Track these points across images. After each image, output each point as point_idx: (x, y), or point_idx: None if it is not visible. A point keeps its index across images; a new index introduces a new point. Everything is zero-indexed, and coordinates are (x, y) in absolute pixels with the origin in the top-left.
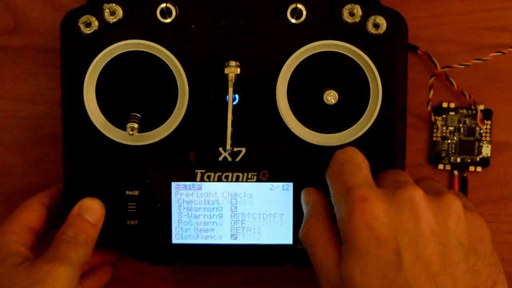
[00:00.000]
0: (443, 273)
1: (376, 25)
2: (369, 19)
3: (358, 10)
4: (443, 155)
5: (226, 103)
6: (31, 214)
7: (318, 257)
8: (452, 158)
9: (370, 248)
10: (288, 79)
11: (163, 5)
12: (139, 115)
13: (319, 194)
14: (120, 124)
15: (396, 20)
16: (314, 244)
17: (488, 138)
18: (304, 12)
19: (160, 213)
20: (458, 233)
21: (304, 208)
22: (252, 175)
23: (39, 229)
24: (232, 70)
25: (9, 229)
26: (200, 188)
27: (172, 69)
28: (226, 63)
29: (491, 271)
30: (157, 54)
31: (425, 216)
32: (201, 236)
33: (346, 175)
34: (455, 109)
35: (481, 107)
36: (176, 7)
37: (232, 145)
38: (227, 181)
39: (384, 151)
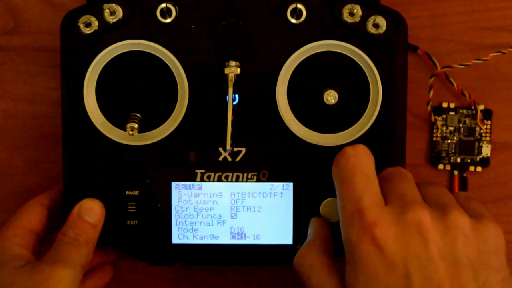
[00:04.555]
0: None
1: (376, 25)
2: (369, 19)
3: (358, 10)
4: (443, 155)
5: (226, 103)
6: (32, 216)
7: (314, 286)
8: (452, 158)
9: (380, 274)
10: (288, 79)
11: (163, 5)
12: (139, 115)
13: (320, 225)
14: (120, 124)
15: (396, 20)
16: (308, 273)
17: (488, 138)
18: (304, 12)
19: (160, 213)
20: (467, 252)
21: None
22: (252, 175)
23: (40, 231)
24: (232, 70)
25: (11, 231)
26: (200, 188)
27: (172, 69)
28: (226, 63)
29: (503, 286)
30: (157, 54)
31: (433, 239)
32: (201, 236)
33: (357, 189)
34: (455, 109)
35: (481, 107)
36: (176, 7)
37: (232, 145)
38: (227, 181)
39: (384, 151)
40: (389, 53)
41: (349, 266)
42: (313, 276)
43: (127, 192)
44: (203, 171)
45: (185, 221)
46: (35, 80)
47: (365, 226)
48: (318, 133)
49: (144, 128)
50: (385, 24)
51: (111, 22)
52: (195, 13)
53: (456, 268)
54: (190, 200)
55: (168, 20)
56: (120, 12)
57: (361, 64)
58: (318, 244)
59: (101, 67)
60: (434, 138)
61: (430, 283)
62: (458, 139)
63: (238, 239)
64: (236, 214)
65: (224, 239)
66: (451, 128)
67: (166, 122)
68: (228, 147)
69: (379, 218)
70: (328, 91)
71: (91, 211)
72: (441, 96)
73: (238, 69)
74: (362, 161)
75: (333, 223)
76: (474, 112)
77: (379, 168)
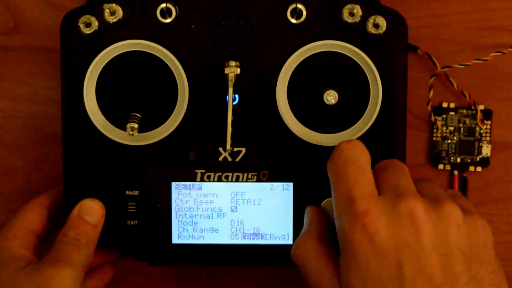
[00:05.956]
0: (445, 285)
1: (376, 25)
2: (369, 19)
3: (358, 10)
4: (443, 155)
5: (226, 103)
6: (33, 217)
7: (311, 275)
8: (452, 158)
9: (371, 263)
10: (288, 79)
11: (163, 5)
12: (139, 115)
13: (315, 214)
14: (120, 124)
15: (396, 20)
16: (304, 263)
17: (488, 138)
18: (304, 12)
19: (160, 213)
20: (459, 243)
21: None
22: (252, 175)
23: (41, 232)
24: (232, 70)
25: (12, 232)
26: (200, 188)
27: (172, 69)
28: (226, 63)
29: (494, 278)
30: (157, 54)
31: (426, 229)
32: (201, 236)
33: (350, 180)
34: (455, 109)
35: (481, 107)
36: (176, 7)
37: (232, 145)
38: (227, 181)
39: (384, 151)
40: (389, 53)
41: (342, 256)
42: (309, 265)
43: (127, 192)
44: (203, 171)
45: (185, 221)
46: (35, 80)
47: (356, 215)
48: (318, 133)
49: (144, 128)
50: (385, 24)
51: (111, 22)
52: (195, 13)
53: (448, 259)
54: (190, 200)
55: (168, 20)
56: (120, 12)
57: (361, 64)
58: (313, 233)
59: (101, 67)
60: (434, 138)
61: (422, 273)
62: (458, 139)
63: (238, 239)
64: (236, 214)
65: (224, 239)
66: (451, 128)
67: (166, 122)
68: (228, 147)
69: (371, 207)
70: (328, 91)
71: (91, 211)
72: (441, 96)
73: (238, 69)
74: (356, 152)
75: (333, 222)
76: (474, 112)
77: None
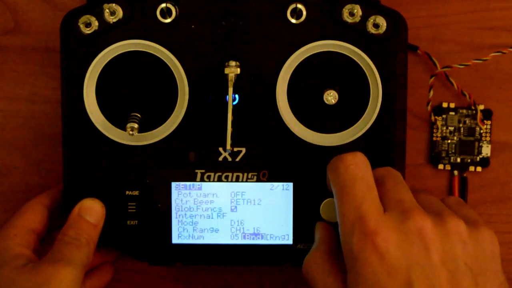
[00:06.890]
0: None
1: (376, 25)
2: (369, 19)
3: (358, 10)
4: (443, 155)
5: (226, 103)
6: (33, 216)
7: None
8: (452, 158)
9: (381, 281)
10: (288, 79)
11: (163, 5)
12: (139, 115)
13: (325, 229)
14: (120, 124)
15: (396, 20)
16: (314, 279)
17: (488, 138)
18: (304, 12)
19: (160, 213)
20: (465, 258)
21: None
22: (252, 175)
23: (41, 231)
24: (232, 70)
25: (12, 231)
26: (200, 188)
27: (172, 69)
28: (226, 63)
29: None
30: (157, 54)
31: (434, 246)
32: (201, 236)
33: (358, 197)
34: (455, 109)
35: (481, 107)
36: (176, 7)
37: (232, 145)
38: (227, 181)
39: (384, 151)
40: (389, 53)
41: (350, 274)
42: (318, 281)
43: (127, 192)
44: (203, 171)
45: (185, 221)
46: (35, 80)
47: (367, 234)
48: (318, 133)
49: (144, 128)
50: (385, 24)
51: (111, 22)
52: (195, 13)
53: (456, 274)
54: (190, 200)
55: (168, 20)
56: (120, 12)
57: (361, 64)
58: (322, 249)
59: (101, 67)
60: (434, 138)
61: None
62: (458, 139)
63: (238, 239)
64: (236, 214)
65: (224, 239)
66: (451, 128)
67: (166, 122)
68: (228, 147)
69: (380, 226)
70: (328, 91)
71: (91, 211)
72: (441, 96)
73: (238, 69)
74: (362, 168)
75: (334, 223)
76: (474, 112)
77: None
